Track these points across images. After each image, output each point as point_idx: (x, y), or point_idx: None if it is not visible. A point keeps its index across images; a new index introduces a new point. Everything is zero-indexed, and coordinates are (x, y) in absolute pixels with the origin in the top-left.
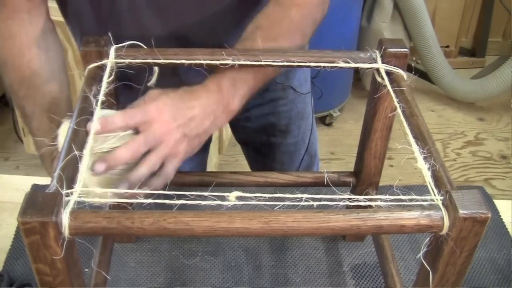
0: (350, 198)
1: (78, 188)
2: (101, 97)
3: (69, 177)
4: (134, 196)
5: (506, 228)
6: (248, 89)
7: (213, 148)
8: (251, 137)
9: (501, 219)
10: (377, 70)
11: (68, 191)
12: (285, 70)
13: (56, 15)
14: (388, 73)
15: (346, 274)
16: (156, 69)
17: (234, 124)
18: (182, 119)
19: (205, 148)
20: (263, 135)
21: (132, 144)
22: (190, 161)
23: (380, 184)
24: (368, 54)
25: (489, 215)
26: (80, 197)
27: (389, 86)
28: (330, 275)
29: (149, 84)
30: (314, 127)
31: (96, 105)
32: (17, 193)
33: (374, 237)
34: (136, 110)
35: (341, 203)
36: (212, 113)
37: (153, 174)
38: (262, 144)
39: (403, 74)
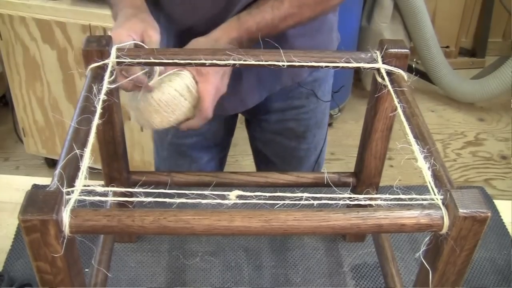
0: (350, 197)
1: (79, 186)
2: (102, 96)
3: (70, 175)
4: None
5: (506, 228)
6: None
7: None
8: (266, 136)
9: (501, 219)
10: (378, 70)
11: (69, 189)
12: (312, 80)
13: (56, 15)
14: (389, 73)
15: (346, 275)
16: (157, 69)
17: (252, 122)
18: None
19: (223, 140)
20: (278, 136)
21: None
22: (209, 153)
23: (380, 184)
24: (369, 54)
25: (489, 214)
26: (80, 195)
27: (389, 86)
28: (330, 275)
29: (150, 83)
30: (326, 137)
31: (97, 104)
32: (17, 193)
33: (374, 237)
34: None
35: (341, 202)
36: None
37: None
38: (275, 143)
39: (404, 74)
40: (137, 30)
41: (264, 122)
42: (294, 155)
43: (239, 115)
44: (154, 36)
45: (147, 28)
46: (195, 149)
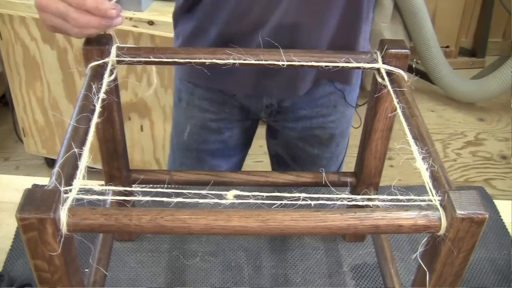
0: (348, 198)
1: (76, 185)
2: (101, 95)
3: (68, 174)
4: None
5: (506, 229)
6: None
7: None
8: (288, 143)
9: (501, 219)
10: (378, 70)
11: (67, 188)
12: (342, 88)
13: None
14: (389, 73)
15: (346, 275)
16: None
17: (276, 129)
18: None
19: (243, 149)
20: (301, 142)
21: None
22: (229, 161)
23: (380, 184)
24: (369, 54)
25: (487, 215)
26: (78, 194)
27: (389, 87)
28: (330, 275)
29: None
30: (347, 148)
31: (97, 102)
32: (17, 193)
33: (373, 237)
34: None
35: (339, 202)
36: None
37: None
38: (297, 148)
39: (404, 74)
40: None
41: (289, 130)
42: (316, 163)
43: (260, 121)
44: None
45: None
46: (216, 156)
